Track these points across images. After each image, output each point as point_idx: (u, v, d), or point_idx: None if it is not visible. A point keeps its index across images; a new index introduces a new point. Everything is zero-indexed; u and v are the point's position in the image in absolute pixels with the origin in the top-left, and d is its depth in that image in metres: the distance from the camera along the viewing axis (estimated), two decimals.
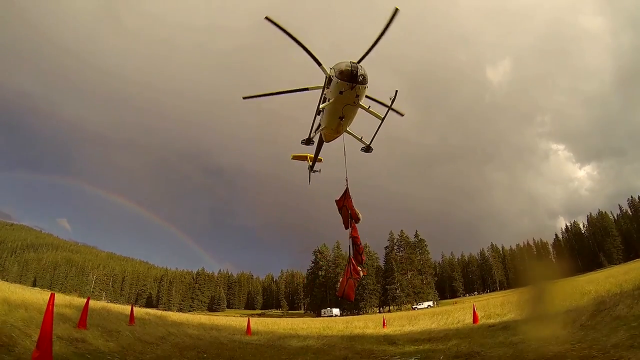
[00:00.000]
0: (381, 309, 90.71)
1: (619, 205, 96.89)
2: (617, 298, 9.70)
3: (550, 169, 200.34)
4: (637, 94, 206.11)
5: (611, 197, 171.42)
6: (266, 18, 7.12)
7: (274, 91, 8.55)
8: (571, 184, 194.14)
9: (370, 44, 7.17)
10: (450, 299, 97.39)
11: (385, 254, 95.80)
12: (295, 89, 8.45)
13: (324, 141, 10.41)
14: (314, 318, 69.39)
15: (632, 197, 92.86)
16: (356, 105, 8.03)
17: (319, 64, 7.69)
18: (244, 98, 8.65)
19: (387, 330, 16.29)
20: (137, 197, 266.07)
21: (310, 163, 11.73)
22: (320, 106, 8.54)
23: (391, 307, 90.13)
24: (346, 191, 9.40)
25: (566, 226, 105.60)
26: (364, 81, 7.50)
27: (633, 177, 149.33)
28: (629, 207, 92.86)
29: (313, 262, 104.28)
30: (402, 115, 9.18)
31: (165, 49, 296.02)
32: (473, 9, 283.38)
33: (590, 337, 5.90)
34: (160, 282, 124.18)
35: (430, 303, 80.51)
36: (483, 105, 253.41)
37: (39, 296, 18.21)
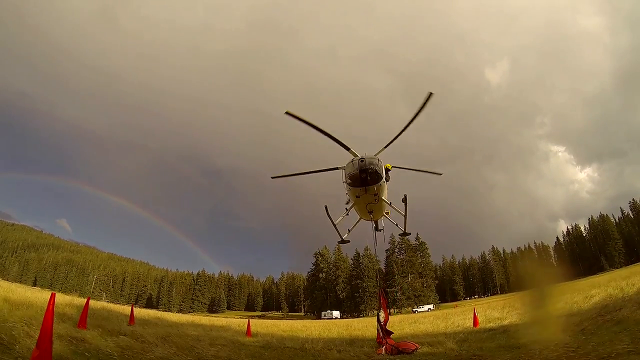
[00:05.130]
0: None
1: (620, 207, 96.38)
2: (620, 302, 9.65)
3: (551, 171, 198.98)
4: (637, 94, 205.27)
5: (612, 199, 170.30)
6: (287, 113, 6.64)
7: (302, 171, 8.35)
8: (572, 187, 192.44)
9: (402, 127, 6.76)
10: (450, 302, 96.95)
11: (386, 256, 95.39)
12: (324, 168, 7.83)
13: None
14: (314, 320, 69.11)
15: (633, 199, 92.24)
16: (378, 201, 7.61)
17: (347, 149, 7.03)
18: (272, 177, 8.79)
19: None
20: (137, 198, 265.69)
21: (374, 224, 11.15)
22: (335, 222, 8.55)
23: (392, 310, 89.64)
24: (380, 294, 9.98)
25: (567, 229, 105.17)
26: (378, 179, 6.96)
27: (634, 179, 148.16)
28: (631, 209, 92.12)
29: (314, 265, 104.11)
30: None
31: (164, 50, 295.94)
32: (471, 9, 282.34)
33: (591, 342, 5.86)
34: (160, 283, 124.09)
35: (431, 306, 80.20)
36: (482, 107, 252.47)
37: (39, 295, 18.24)
